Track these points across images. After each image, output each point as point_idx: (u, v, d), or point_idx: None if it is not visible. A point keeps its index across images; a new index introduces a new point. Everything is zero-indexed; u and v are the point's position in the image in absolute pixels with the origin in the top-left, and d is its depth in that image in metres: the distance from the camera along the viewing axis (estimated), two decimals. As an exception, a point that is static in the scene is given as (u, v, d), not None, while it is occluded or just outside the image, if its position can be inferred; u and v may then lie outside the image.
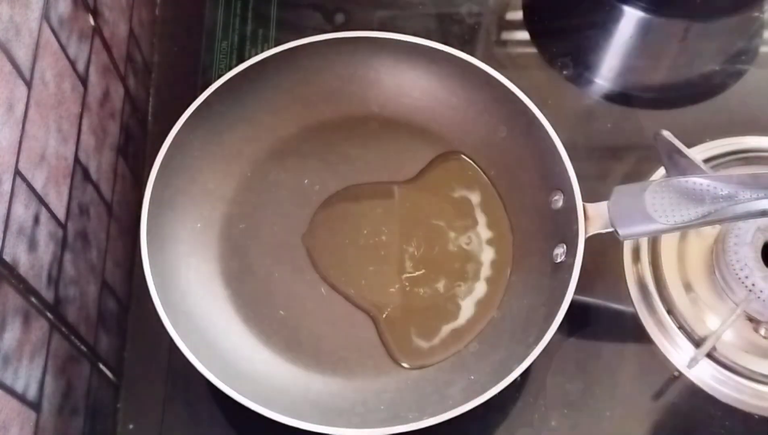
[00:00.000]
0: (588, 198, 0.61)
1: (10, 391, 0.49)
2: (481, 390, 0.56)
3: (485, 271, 0.67)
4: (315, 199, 0.69)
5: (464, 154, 0.71)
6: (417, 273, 0.67)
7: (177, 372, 0.62)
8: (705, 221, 0.58)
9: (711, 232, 0.68)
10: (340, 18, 0.80)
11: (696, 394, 0.64)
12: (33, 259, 0.52)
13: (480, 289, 0.66)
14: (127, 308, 0.68)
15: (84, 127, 0.61)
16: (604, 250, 0.68)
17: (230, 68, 0.68)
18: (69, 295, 0.58)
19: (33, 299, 0.52)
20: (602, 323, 0.68)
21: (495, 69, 0.68)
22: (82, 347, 0.60)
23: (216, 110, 0.68)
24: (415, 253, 0.67)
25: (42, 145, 0.54)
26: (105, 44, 0.66)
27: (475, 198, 0.69)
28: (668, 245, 0.68)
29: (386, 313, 0.65)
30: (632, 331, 0.67)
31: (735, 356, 0.64)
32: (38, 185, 0.53)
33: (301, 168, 0.70)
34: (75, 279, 0.59)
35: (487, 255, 0.67)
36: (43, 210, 0.54)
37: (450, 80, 0.70)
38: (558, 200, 0.64)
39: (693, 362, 0.63)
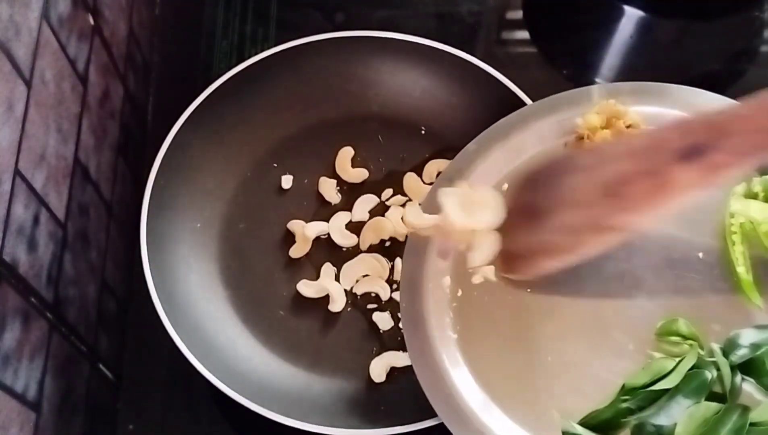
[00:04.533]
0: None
1: (10, 392, 0.49)
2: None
3: (485, 270, 0.66)
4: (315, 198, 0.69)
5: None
6: (417, 273, 0.66)
7: (177, 372, 0.62)
8: None
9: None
10: (340, 17, 0.80)
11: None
12: (33, 259, 0.52)
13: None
14: (127, 308, 0.68)
15: (84, 127, 0.61)
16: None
17: (230, 68, 0.68)
18: (69, 295, 0.58)
19: (33, 299, 0.52)
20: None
21: (495, 68, 0.68)
22: (82, 347, 0.60)
23: (216, 110, 0.68)
24: (416, 253, 0.67)
25: (42, 145, 0.54)
26: (105, 44, 0.66)
27: (475, 197, 0.69)
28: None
29: (386, 313, 0.65)
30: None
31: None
32: (38, 185, 0.53)
33: (301, 168, 0.70)
34: (75, 279, 0.59)
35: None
36: (43, 210, 0.54)
37: (450, 80, 0.70)
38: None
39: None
